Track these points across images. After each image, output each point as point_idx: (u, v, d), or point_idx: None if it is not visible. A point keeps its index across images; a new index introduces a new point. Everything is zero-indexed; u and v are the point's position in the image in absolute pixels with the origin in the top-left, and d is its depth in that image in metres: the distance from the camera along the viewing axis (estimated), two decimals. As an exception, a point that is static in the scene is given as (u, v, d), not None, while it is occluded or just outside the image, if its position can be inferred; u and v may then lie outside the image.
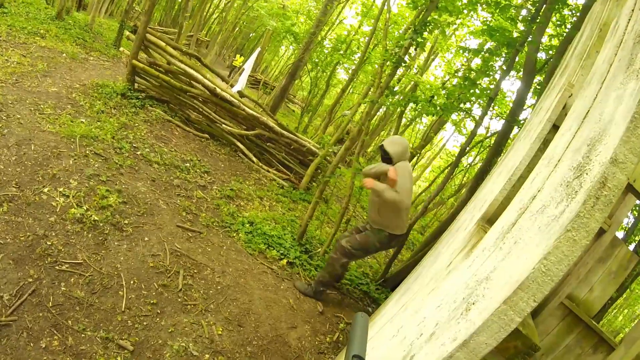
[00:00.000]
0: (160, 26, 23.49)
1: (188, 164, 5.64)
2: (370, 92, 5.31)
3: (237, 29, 26.61)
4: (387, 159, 4.01)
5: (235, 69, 21.24)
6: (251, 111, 6.88)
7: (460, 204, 5.16)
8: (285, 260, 4.72)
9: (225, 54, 27.88)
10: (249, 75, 20.95)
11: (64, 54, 7.93)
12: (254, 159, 7.13)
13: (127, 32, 9.11)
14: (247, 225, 4.96)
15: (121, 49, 10.45)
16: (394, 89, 5.39)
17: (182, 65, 6.72)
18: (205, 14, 22.13)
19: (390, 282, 5.64)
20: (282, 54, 31.43)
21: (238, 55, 21.03)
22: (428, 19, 4.64)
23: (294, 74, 10.14)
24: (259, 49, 11.58)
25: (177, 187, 4.90)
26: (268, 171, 7.15)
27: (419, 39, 4.66)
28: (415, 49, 4.94)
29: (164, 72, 6.72)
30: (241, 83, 7.60)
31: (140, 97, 6.71)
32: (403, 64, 4.86)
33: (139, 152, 5.14)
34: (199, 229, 4.32)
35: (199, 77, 6.77)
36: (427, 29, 4.75)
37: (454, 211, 5.26)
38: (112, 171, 4.39)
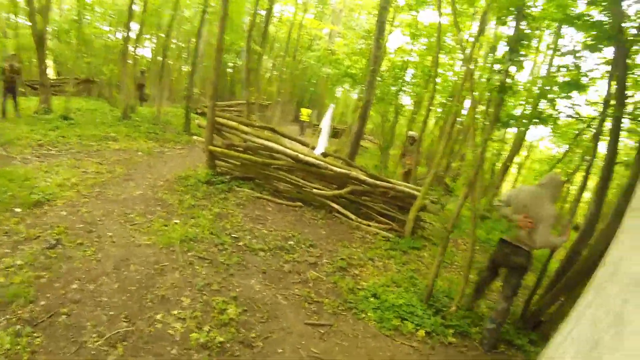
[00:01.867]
0: (219, 100, 24.67)
1: (292, 242, 5.26)
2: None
3: (292, 83, 27.18)
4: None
5: (304, 124, 21.31)
6: (339, 169, 6.51)
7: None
8: (422, 331, 4.08)
9: (287, 110, 28.42)
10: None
11: (139, 152, 8.12)
12: (352, 216, 6.65)
13: (195, 117, 9.34)
14: (372, 299, 4.39)
15: (194, 137, 10.80)
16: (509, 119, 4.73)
17: (260, 140, 6.60)
18: (261, 79, 22.83)
19: (531, 321, 4.75)
20: (341, 96, 31.60)
21: (303, 109, 21.34)
22: (521, 34, 4.00)
23: (364, 116, 9.71)
24: (332, 106, 11.35)
25: (289, 274, 4.49)
26: (369, 225, 6.61)
27: (518, 59, 4.01)
28: (516, 70, 4.27)
29: (243, 150, 6.64)
30: (322, 144, 7.32)
31: (225, 180, 6.66)
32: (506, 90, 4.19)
33: (241, 243, 4.85)
34: (327, 319, 3.81)
35: (279, 147, 6.61)
36: (523, 46, 4.12)
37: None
38: (221, 275, 4.08)
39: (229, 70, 26.13)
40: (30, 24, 11.12)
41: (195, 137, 7.36)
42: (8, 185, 5.53)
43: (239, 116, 14.28)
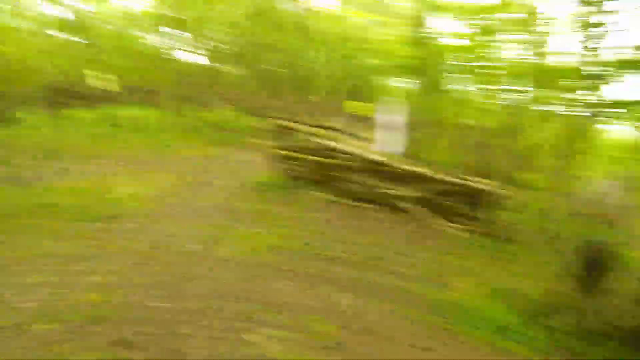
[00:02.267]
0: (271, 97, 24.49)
1: (375, 249, 4.84)
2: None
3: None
4: None
5: (360, 119, 20.37)
6: (411, 167, 6.05)
7: None
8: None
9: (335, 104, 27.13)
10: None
11: (205, 158, 8.00)
12: (431, 217, 6.16)
13: (254, 119, 9.15)
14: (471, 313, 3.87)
15: (256, 140, 10.60)
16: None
17: (323, 141, 6.26)
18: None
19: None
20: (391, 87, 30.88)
21: (355, 103, 20.53)
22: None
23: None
24: (400, 100, 10.02)
25: (377, 285, 4.05)
26: (450, 226, 6.09)
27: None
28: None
29: (308, 152, 6.34)
30: (399, 142, 6.78)
31: (294, 184, 6.47)
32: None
33: (322, 253, 4.48)
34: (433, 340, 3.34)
35: (344, 147, 6.32)
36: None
37: None
38: (309, 289, 3.71)
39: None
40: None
41: (257, 141, 7.11)
42: (82, 197, 5.45)
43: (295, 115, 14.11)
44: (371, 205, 6.26)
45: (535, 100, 10.50)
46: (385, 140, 6.70)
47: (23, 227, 4.41)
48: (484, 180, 6.47)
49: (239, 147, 9.64)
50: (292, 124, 6.48)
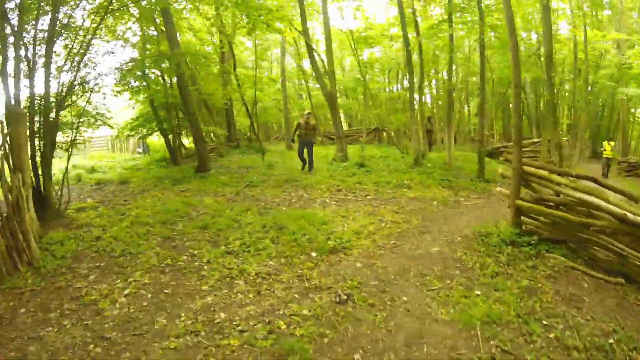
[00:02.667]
0: (506, 139, 22.83)
1: (612, 339, 4.16)
2: None
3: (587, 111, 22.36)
4: None
5: (608, 161, 16.74)
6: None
7: None
8: None
9: (582, 145, 23.25)
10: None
11: (435, 202, 7.95)
12: None
13: (493, 163, 8.59)
14: None
15: (497, 189, 9.97)
16: None
17: (577, 194, 5.38)
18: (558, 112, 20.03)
19: None
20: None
21: (606, 142, 17.07)
22: None
23: None
24: None
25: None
26: None
27: None
28: None
29: (555, 206, 5.60)
30: None
31: (532, 242, 5.90)
32: None
33: (552, 335, 4.10)
34: None
35: (601, 203, 5.41)
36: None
37: None
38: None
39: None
40: (319, 85, 13.18)
41: (498, 189, 6.60)
42: (307, 228, 6.03)
43: (535, 158, 12.64)
44: (620, 280, 5.36)
45: None
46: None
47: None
48: None
49: (474, 190, 9.13)
50: (541, 172, 5.80)
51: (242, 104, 16.62)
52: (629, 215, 5.08)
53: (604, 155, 16.98)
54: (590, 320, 4.44)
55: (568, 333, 4.14)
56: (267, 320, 3.77)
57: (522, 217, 6.20)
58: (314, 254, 5.31)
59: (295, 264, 4.97)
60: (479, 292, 4.54)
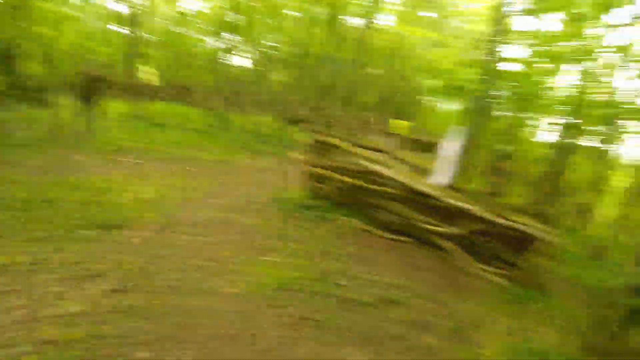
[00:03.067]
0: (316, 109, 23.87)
1: (400, 291, 4.26)
2: None
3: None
4: None
5: (397, 138, 19.22)
6: (458, 202, 5.37)
7: None
8: None
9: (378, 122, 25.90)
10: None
11: (230, 165, 7.61)
12: (467, 259, 5.45)
13: (292, 128, 8.72)
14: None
15: (292, 153, 10.18)
16: None
17: (366, 163, 5.64)
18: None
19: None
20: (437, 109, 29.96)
21: (396, 121, 19.46)
22: None
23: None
24: (462, 129, 8.55)
25: (395, 340, 3.41)
26: (484, 270, 5.38)
27: None
28: None
29: (346, 173, 5.77)
30: (447, 174, 6.01)
31: (323, 205, 6.05)
32: None
33: (347, 294, 3.93)
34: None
35: (388, 172, 5.74)
36: None
37: None
38: (329, 346, 3.06)
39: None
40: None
41: (294, 154, 6.56)
42: (86, 198, 4.99)
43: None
44: (406, 240, 5.71)
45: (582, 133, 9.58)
46: (440, 170, 5.95)
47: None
48: (534, 224, 5.61)
49: (275, 157, 9.11)
50: (333, 140, 5.89)
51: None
52: (414, 184, 5.58)
53: (391, 132, 19.71)
54: (380, 276, 4.52)
55: (362, 290, 4.09)
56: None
57: (316, 183, 6.25)
58: (89, 232, 4.27)
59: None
60: (269, 258, 4.32)
